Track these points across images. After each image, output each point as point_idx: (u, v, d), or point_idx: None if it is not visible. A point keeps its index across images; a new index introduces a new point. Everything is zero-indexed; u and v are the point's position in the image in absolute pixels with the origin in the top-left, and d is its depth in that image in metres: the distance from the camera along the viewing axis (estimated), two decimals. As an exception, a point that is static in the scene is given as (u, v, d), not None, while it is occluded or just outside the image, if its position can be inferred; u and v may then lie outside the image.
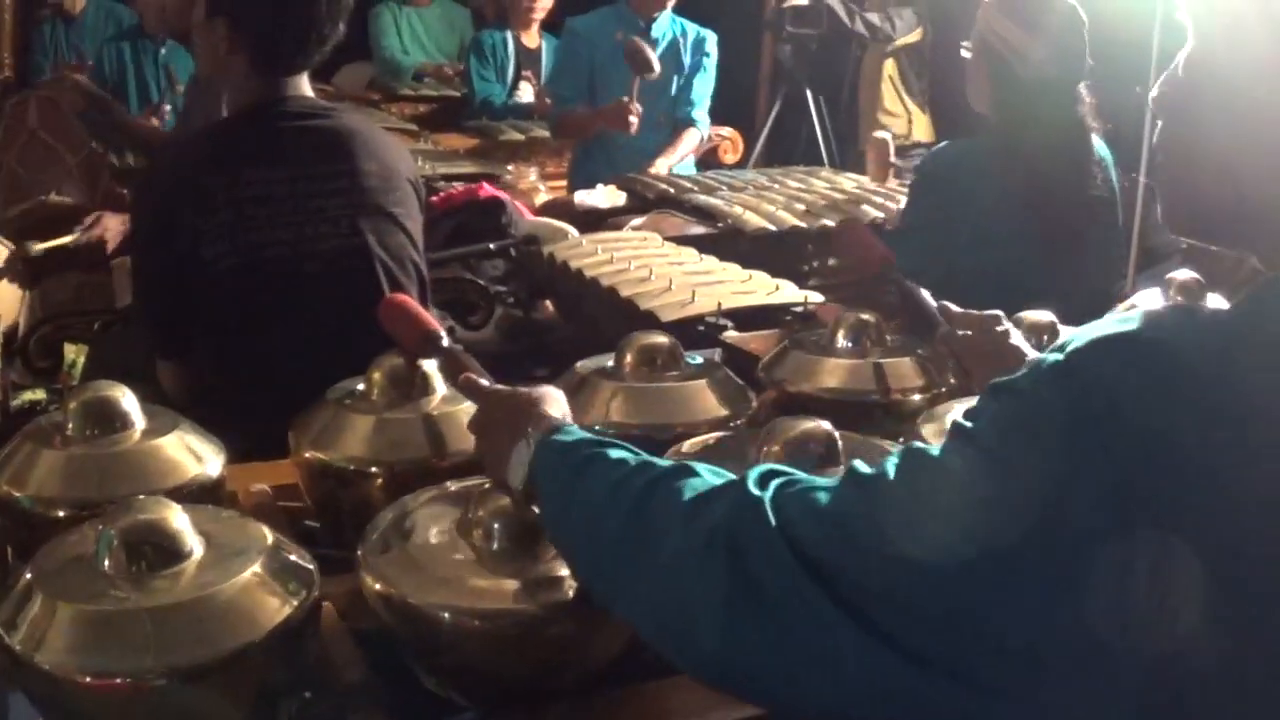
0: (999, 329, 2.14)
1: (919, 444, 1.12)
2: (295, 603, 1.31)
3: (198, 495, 1.61)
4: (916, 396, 2.17)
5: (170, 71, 5.86)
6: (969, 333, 2.18)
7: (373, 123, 2.94)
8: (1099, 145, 3.35)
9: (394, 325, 1.96)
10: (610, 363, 2.07)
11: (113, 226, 3.42)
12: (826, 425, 1.74)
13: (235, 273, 2.45)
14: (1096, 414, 0.96)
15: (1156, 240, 5.35)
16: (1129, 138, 5.38)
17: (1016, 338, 2.13)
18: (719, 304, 2.99)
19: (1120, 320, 1.02)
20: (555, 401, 1.54)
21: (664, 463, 1.31)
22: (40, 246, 3.24)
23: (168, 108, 5.61)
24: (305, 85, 2.63)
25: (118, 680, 1.20)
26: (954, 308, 2.24)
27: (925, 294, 2.31)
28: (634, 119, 4.95)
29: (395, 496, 1.66)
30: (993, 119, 3.26)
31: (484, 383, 1.69)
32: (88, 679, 1.20)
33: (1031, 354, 2.04)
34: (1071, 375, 1.00)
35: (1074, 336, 1.03)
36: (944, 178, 3.29)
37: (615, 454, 1.34)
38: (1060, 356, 1.01)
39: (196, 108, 3.98)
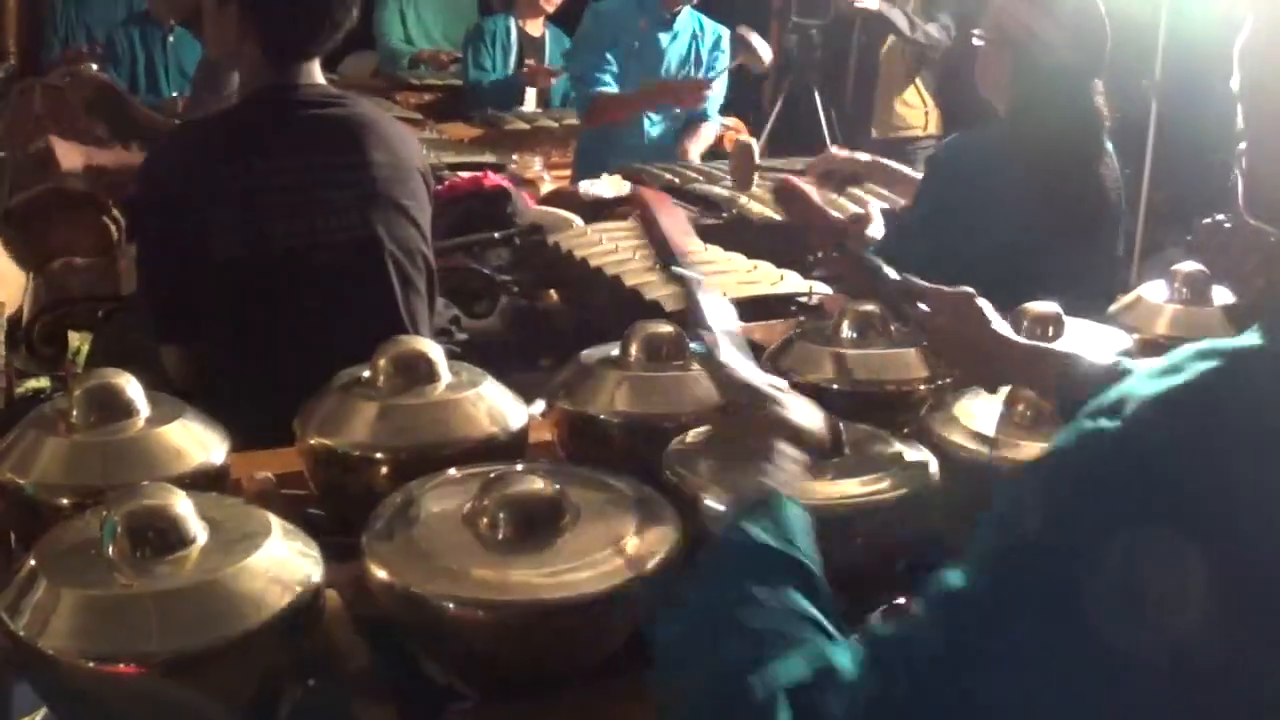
0: (976, 310, 2.03)
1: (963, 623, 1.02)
2: (299, 589, 1.30)
3: (202, 483, 1.61)
4: (922, 387, 2.16)
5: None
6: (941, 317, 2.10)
7: (385, 112, 2.92)
8: (1105, 138, 3.34)
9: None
10: (615, 352, 2.07)
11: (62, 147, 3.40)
12: (829, 416, 1.74)
13: (244, 263, 2.44)
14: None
15: (1159, 232, 5.34)
16: (1136, 128, 5.39)
17: (993, 318, 2.04)
18: (724, 294, 2.98)
19: (1168, 373, 0.98)
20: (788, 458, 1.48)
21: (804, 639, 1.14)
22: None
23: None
24: (317, 72, 2.62)
25: (121, 665, 1.20)
26: (919, 282, 2.15)
27: (889, 272, 2.23)
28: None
29: (400, 483, 1.66)
30: (1007, 106, 3.23)
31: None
32: (91, 664, 1.20)
33: (1006, 332, 1.99)
34: (1138, 441, 0.95)
35: (1119, 396, 0.98)
36: (955, 165, 3.27)
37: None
38: (1115, 425, 0.96)
39: (205, 94, 3.97)
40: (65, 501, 1.58)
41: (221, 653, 1.22)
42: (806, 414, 1.63)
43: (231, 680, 1.26)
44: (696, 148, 5.27)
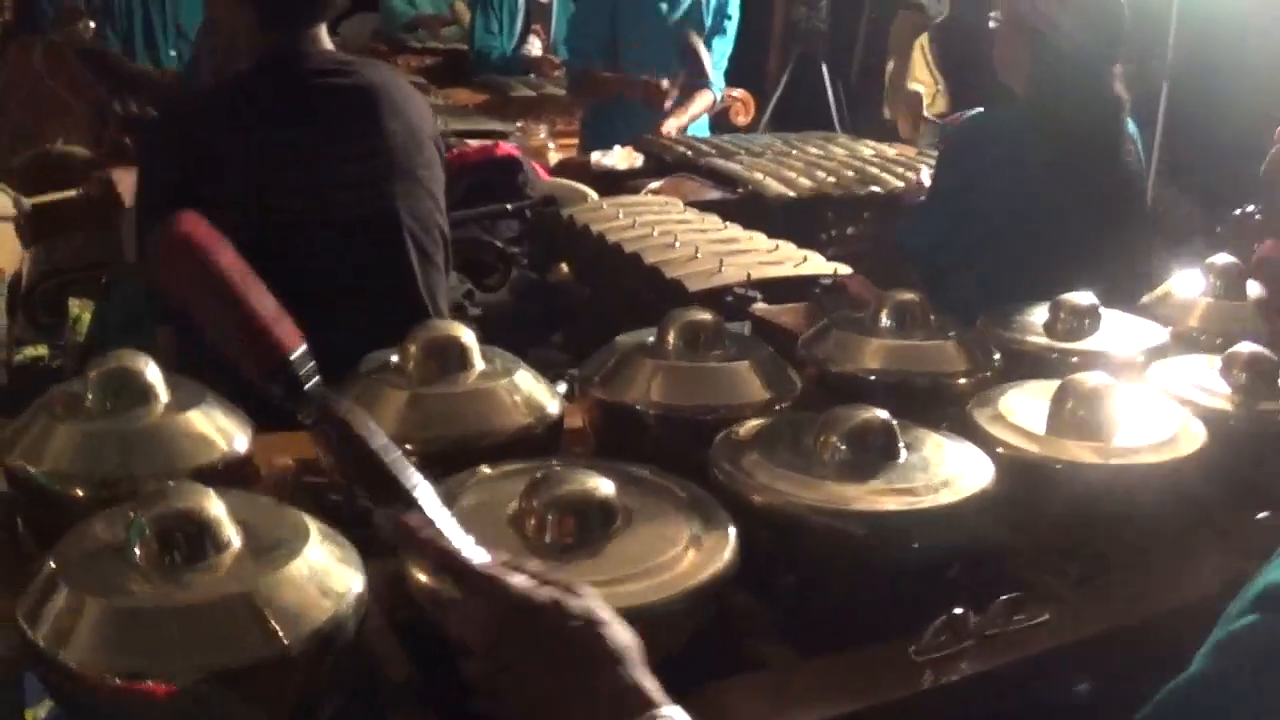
0: None
1: None
2: (341, 601, 1.21)
3: (225, 473, 1.52)
4: (962, 380, 2.07)
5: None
6: None
7: (396, 76, 2.80)
8: (1129, 122, 3.28)
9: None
10: (651, 339, 1.98)
11: (125, 181, 3.31)
12: (884, 414, 1.67)
13: (254, 240, 2.33)
14: None
15: (1175, 215, 5.30)
16: (1146, 109, 5.32)
17: None
18: (748, 275, 2.90)
19: None
20: (635, 653, 1.14)
21: None
22: (37, 201, 3.13)
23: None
24: (325, 38, 2.52)
25: (149, 682, 1.11)
26: None
27: None
28: (669, 104, 4.89)
29: (430, 476, 1.55)
30: (1025, 91, 3.18)
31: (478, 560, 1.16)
32: (116, 680, 1.11)
33: None
34: None
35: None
36: (975, 145, 3.22)
37: None
38: None
39: (206, 54, 3.87)
40: (80, 492, 1.48)
41: (257, 671, 1.13)
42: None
43: (267, 699, 1.16)
44: (678, 121, 5.12)
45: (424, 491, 1.20)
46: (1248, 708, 0.99)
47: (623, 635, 1.13)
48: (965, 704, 1.52)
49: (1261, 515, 1.97)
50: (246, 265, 1.22)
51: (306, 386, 1.17)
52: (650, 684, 1.12)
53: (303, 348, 1.17)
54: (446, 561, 1.15)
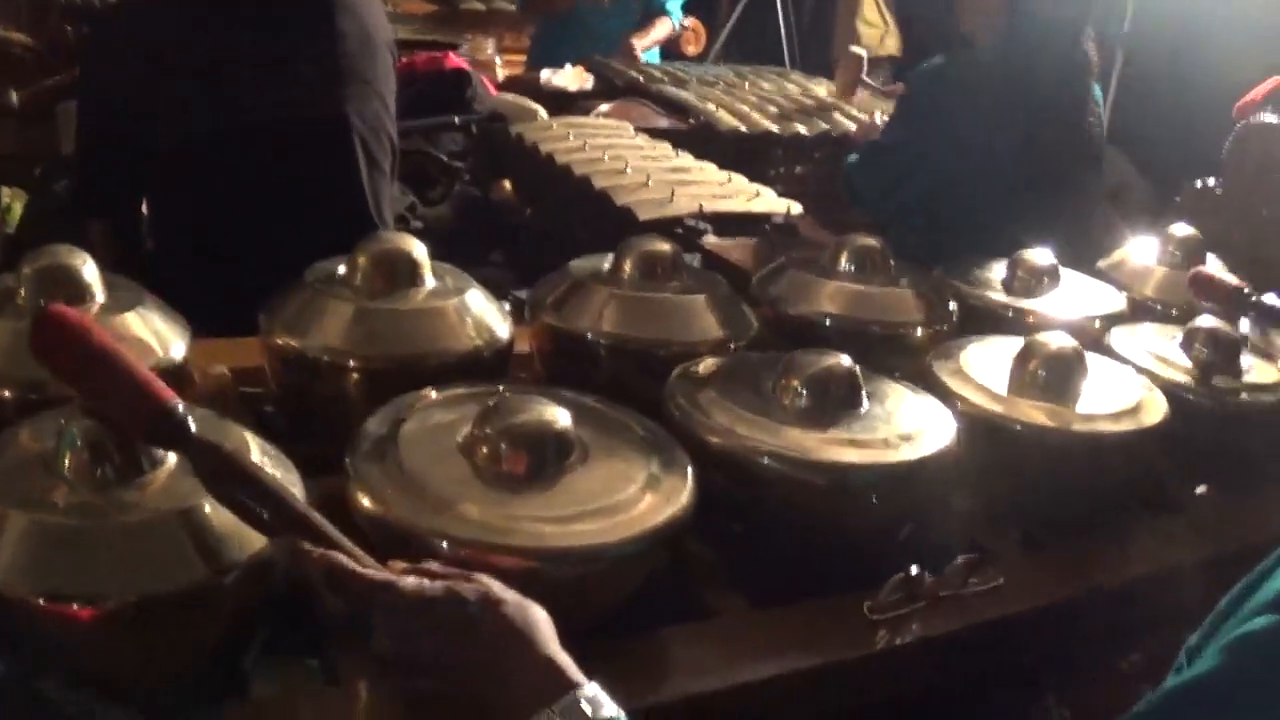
0: None
1: None
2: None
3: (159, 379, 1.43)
4: (919, 330, 2.02)
5: None
6: None
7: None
8: (1094, 86, 3.24)
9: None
10: (607, 266, 1.91)
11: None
12: (848, 361, 1.61)
13: (201, 143, 2.25)
14: None
15: (1117, 179, 5.28)
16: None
17: None
18: (700, 206, 2.84)
19: None
20: (544, 628, 1.08)
21: None
22: (20, 93, 3.00)
23: None
24: None
25: (73, 605, 1.03)
26: None
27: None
28: None
29: (371, 394, 1.51)
30: (995, 45, 3.12)
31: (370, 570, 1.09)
32: (41, 601, 1.03)
33: None
34: None
35: None
36: (937, 93, 3.15)
37: None
38: None
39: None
40: (7, 394, 1.40)
41: (190, 597, 1.06)
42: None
43: (202, 623, 1.10)
44: (642, 43, 5.07)
45: (315, 516, 1.11)
46: (1264, 709, 0.95)
47: (528, 612, 1.07)
48: (916, 664, 1.48)
49: (1200, 490, 1.96)
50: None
51: (193, 431, 1.10)
52: (565, 660, 1.05)
53: (180, 403, 1.10)
54: (337, 582, 1.07)
